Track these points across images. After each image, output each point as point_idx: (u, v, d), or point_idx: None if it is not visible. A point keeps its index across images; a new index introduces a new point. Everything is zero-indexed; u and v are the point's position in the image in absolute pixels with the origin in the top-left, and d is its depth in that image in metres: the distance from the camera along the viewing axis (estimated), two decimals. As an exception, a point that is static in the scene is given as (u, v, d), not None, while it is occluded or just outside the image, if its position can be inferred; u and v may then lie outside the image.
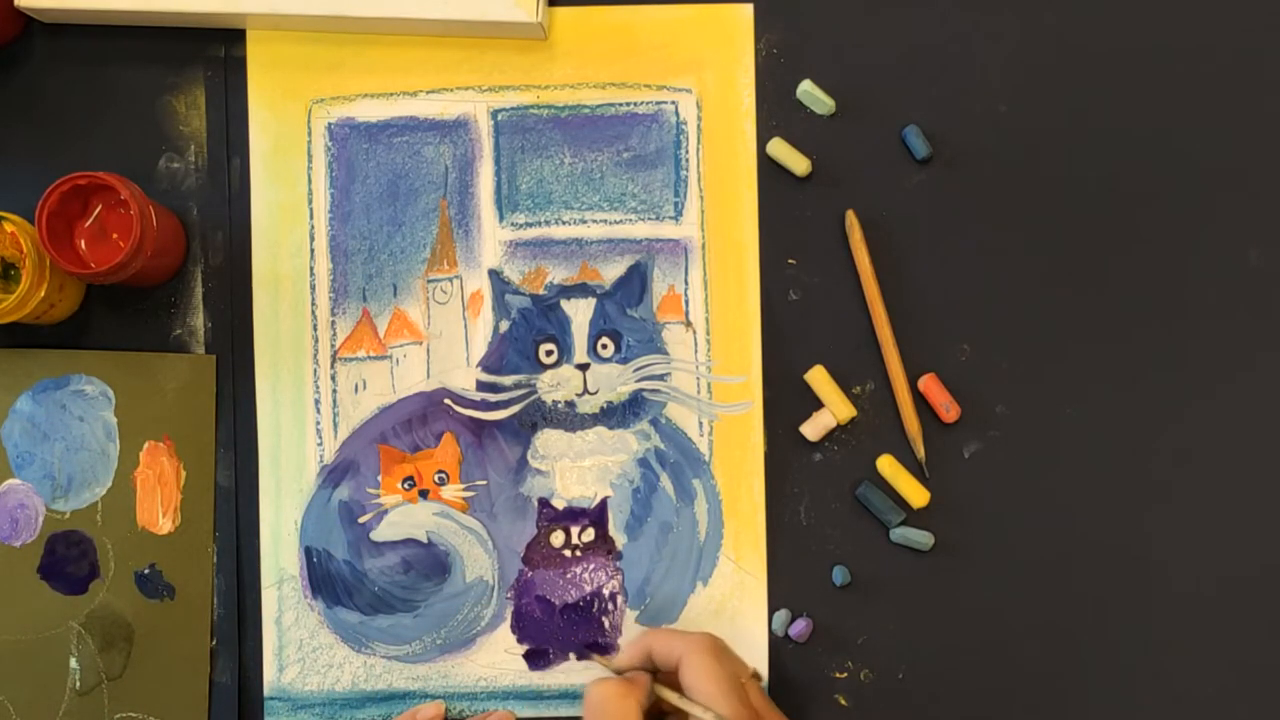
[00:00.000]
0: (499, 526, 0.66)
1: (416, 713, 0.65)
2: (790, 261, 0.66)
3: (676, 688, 0.59)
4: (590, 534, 0.66)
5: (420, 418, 0.66)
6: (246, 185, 0.67)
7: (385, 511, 0.66)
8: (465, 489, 0.66)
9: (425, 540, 0.66)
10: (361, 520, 0.66)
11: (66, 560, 0.66)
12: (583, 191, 0.67)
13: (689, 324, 0.66)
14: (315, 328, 0.67)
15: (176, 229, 0.66)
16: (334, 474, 0.66)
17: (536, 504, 0.66)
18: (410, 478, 0.66)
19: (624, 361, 0.66)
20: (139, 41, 0.67)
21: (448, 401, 0.66)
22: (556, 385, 0.66)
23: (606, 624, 0.66)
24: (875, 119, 0.66)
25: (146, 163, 0.67)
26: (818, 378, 0.65)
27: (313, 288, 0.67)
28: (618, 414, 0.66)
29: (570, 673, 0.66)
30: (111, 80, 0.67)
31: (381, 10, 0.64)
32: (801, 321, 0.66)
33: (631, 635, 0.66)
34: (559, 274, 0.66)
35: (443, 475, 0.66)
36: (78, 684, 0.66)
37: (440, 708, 0.65)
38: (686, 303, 0.66)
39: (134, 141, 0.67)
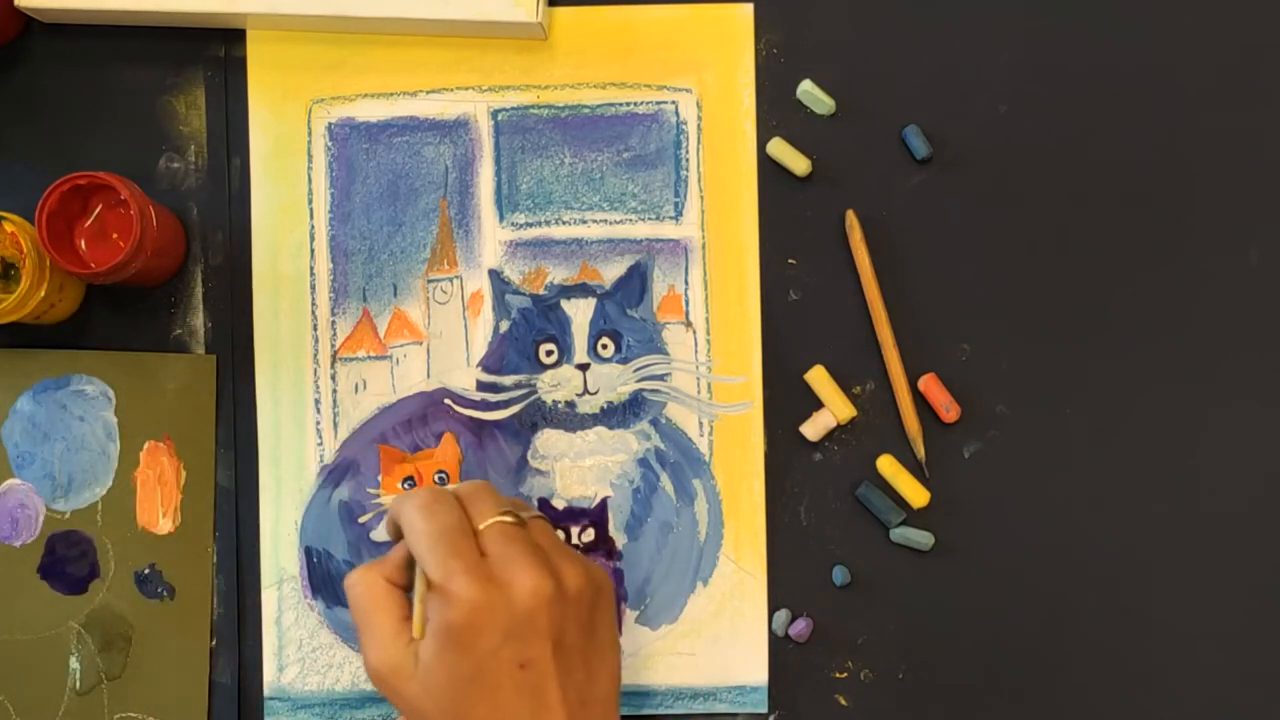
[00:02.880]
0: (499, 526, 0.66)
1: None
2: (790, 261, 0.66)
3: None
4: (590, 534, 0.66)
5: (420, 418, 0.66)
6: (246, 185, 0.67)
7: (385, 511, 0.66)
8: (465, 489, 0.66)
9: (425, 540, 0.66)
10: (361, 520, 0.66)
11: (66, 560, 0.66)
12: (583, 191, 0.67)
13: (689, 324, 0.66)
14: (315, 328, 0.67)
15: (176, 229, 0.66)
16: (334, 474, 0.66)
17: (536, 504, 0.66)
18: (410, 478, 0.66)
19: (624, 362, 0.66)
20: (139, 41, 0.67)
21: (448, 401, 0.66)
22: (556, 385, 0.66)
23: (606, 624, 0.66)
24: (875, 119, 0.66)
25: (146, 163, 0.67)
26: (818, 378, 0.65)
27: (313, 288, 0.67)
28: (618, 414, 0.66)
29: (570, 673, 0.66)
30: (111, 80, 0.67)
31: (381, 10, 0.64)
32: (801, 321, 0.66)
33: (631, 635, 0.66)
34: (559, 274, 0.67)
35: (443, 475, 0.66)
36: (78, 684, 0.66)
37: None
38: (686, 303, 0.66)
39: (134, 141, 0.67)
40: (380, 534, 0.66)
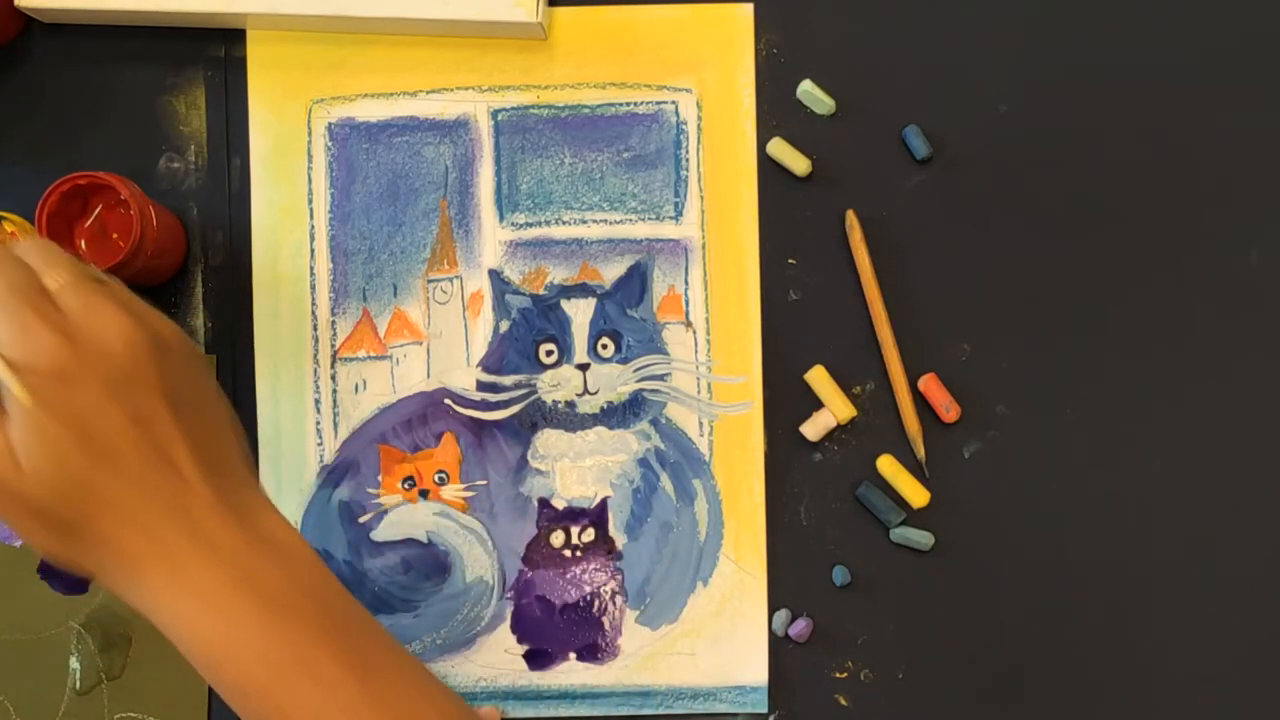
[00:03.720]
0: (499, 526, 0.66)
1: None
2: (790, 261, 0.66)
3: None
4: (590, 534, 0.66)
5: (420, 418, 0.66)
6: (246, 185, 0.67)
7: (385, 511, 0.66)
8: (465, 489, 0.66)
9: (425, 540, 0.66)
10: (361, 520, 0.66)
11: (66, 560, 0.65)
12: (583, 191, 0.67)
13: (689, 324, 0.66)
14: (315, 328, 0.67)
15: (176, 229, 0.66)
16: (334, 474, 0.66)
17: (536, 504, 0.66)
18: (410, 478, 0.66)
19: (624, 361, 0.66)
20: (139, 41, 0.67)
21: (448, 401, 0.66)
22: (556, 385, 0.66)
23: (606, 624, 0.66)
24: (875, 119, 0.66)
25: (146, 163, 0.67)
26: (818, 378, 0.65)
27: (313, 288, 0.67)
28: (618, 414, 0.66)
29: (570, 673, 0.66)
30: (111, 80, 0.67)
31: (381, 10, 0.64)
32: (801, 321, 0.66)
33: (631, 635, 0.66)
34: (559, 274, 0.67)
35: (443, 475, 0.66)
36: (78, 684, 0.66)
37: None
38: (686, 303, 0.66)
39: (134, 141, 0.67)
40: (381, 534, 0.66)
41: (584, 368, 0.66)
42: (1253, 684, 0.65)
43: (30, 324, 0.44)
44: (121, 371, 0.45)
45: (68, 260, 0.48)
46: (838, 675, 0.66)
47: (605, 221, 0.67)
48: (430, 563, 0.66)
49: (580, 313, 0.66)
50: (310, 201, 0.67)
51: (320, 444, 0.66)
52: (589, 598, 0.66)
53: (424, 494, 0.66)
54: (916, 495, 0.65)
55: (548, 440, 0.66)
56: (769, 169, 0.66)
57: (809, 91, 0.66)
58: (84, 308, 0.46)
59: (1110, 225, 0.66)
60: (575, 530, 0.66)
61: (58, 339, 0.44)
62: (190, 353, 0.49)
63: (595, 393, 0.66)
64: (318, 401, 0.66)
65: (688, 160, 0.67)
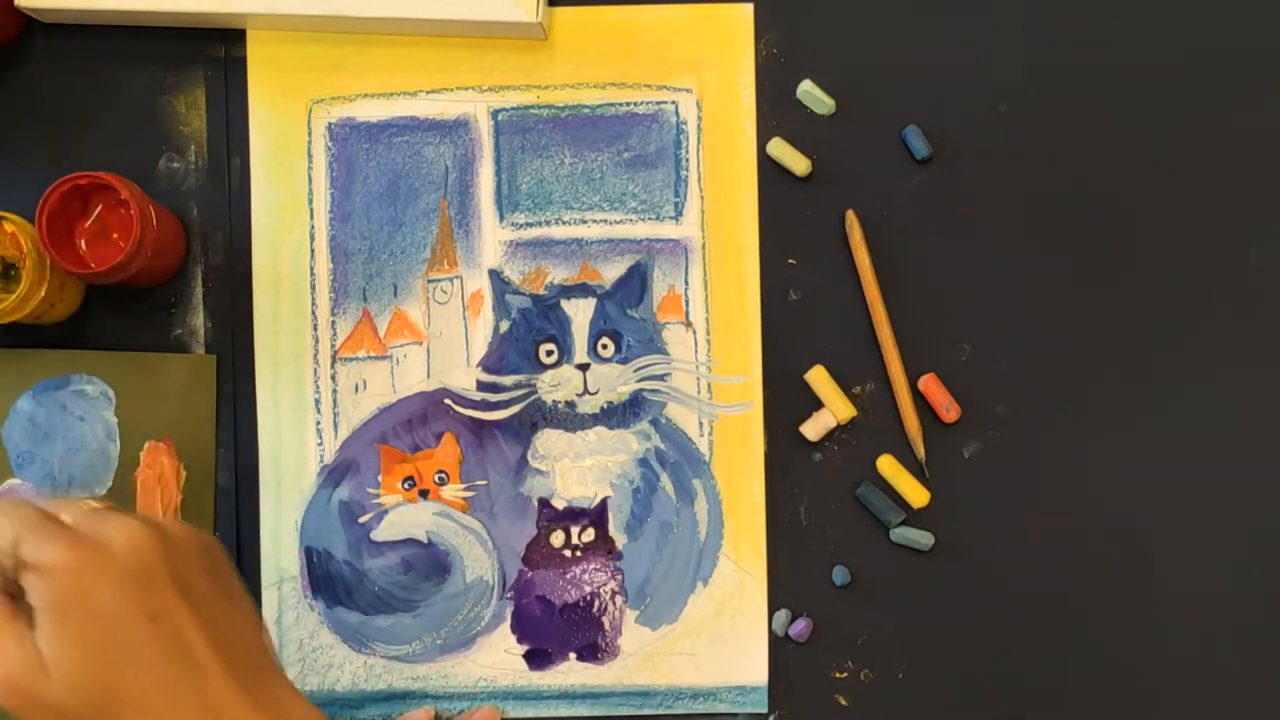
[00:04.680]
0: (499, 526, 0.66)
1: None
2: (790, 261, 0.66)
3: None
4: (590, 534, 0.66)
5: (420, 418, 0.66)
6: (246, 185, 0.67)
7: (385, 511, 0.66)
8: (465, 489, 0.66)
9: (425, 540, 0.66)
10: (362, 520, 0.66)
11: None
12: (583, 191, 0.67)
13: (689, 324, 0.66)
14: (315, 328, 0.67)
15: (176, 229, 0.66)
16: (334, 474, 0.66)
17: (536, 504, 0.66)
18: (410, 478, 0.66)
19: (624, 361, 0.66)
20: (139, 41, 0.67)
21: (448, 401, 0.66)
22: (556, 385, 0.66)
23: (606, 624, 0.66)
24: (875, 119, 0.66)
25: (146, 163, 0.67)
26: (818, 378, 0.65)
27: (313, 288, 0.67)
28: (618, 414, 0.66)
29: (570, 673, 0.66)
30: (111, 80, 0.67)
31: (381, 10, 0.64)
32: (801, 321, 0.66)
33: (631, 635, 0.66)
34: (559, 274, 0.66)
35: (443, 475, 0.66)
36: (78, 684, 0.66)
37: (429, 714, 0.65)
38: (686, 303, 0.66)
39: (134, 141, 0.67)
40: (381, 534, 0.66)
41: (584, 368, 0.66)
42: (1253, 683, 0.65)
43: (43, 538, 0.47)
44: (133, 570, 0.47)
45: (77, 502, 0.51)
46: (838, 675, 0.66)
47: (605, 221, 0.67)
48: (430, 563, 0.66)
49: (580, 313, 0.66)
50: (310, 201, 0.67)
51: (320, 444, 0.66)
52: (589, 598, 0.66)
53: (424, 494, 0.66)
54: (916, 495, 0.65)
55: (548, 440, 0.66)
56: (769, 169, 0.66)
57: (809, 91, 0.66)
58: (91, 519, 0.48)
59: (1110, 225, 0.66)
60: (575, 530, 0.66)
61: (68, 545, 0.47)
62: (203, 547, 0.51)
63: (595, 393, 0.66)
64: (318, 401, 0.66)
65: (688, 160, 0.67)
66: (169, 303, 0.67)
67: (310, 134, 0.67)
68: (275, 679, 0.50)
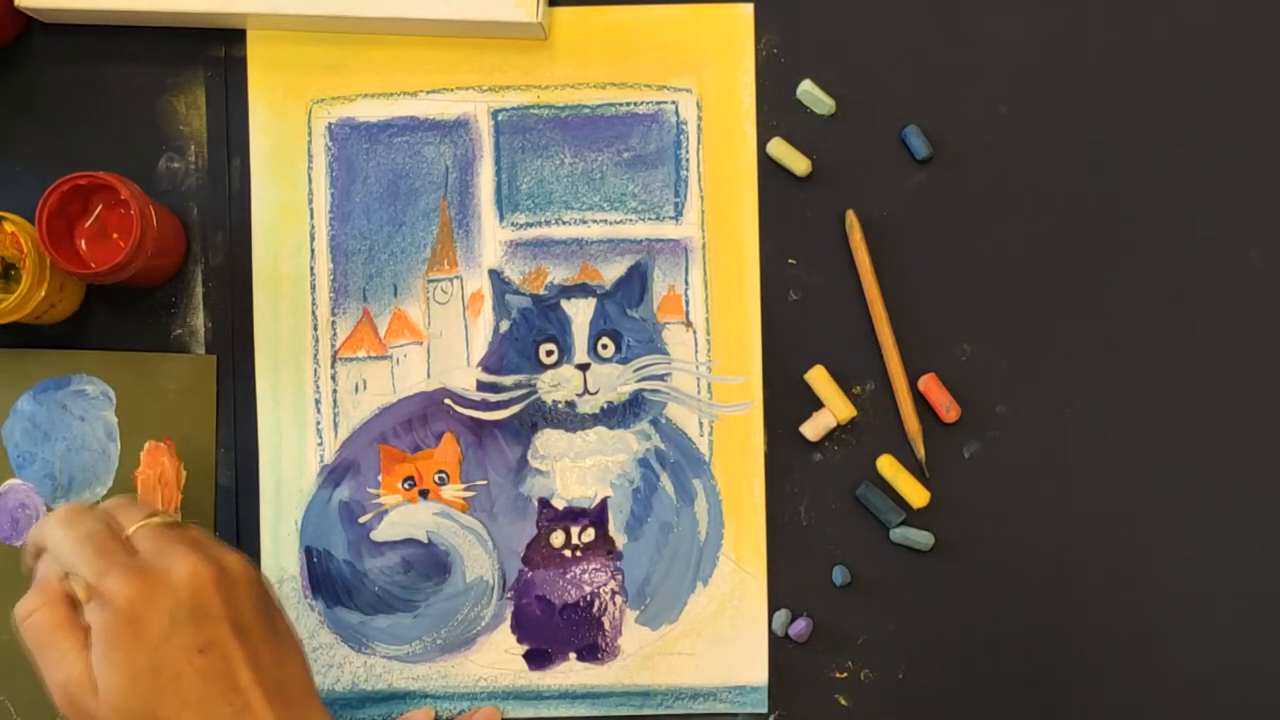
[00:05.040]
0: (499, 526, 0.66)
1: None
2: (790, 261, 0.66)
3: None
4: (590, 534, 0.66)
5: (420, 418, 0.66)
6: (246, 185, 0.67)
7: (385, 511, 0.66)
8: (465, 489, 0.66)
9: (425, 540, 0.66)
10: (362, 520, 0.66)
11: (67, 560, 0.66)
12: (583, 191, 0.67)
13: (689, 324, 0.66)
14: (315, 328, 0.67)
15: (176, 229, 0.66)
16: (334, 474, 0.66)
17: (536, 504, 0.66)
18: (410, 478, 0.66)
19: (624, 361, 0.66)
20: (139, 41, 0.67)
21: (448, 401, 0.66)
22: (557, 385, 0.66)
23: (606, 624, 0.66)
24: (875, 119, 0.66)
25: (146, 163, 0.67)
26: (818, 378, 0.65)
27: (313, 288, 0.67)
28: (618, 414, 0.66)
29: (570, 673, 0.66)
30: (111, 80, 0.67)
31: (381, 10, 0.64)
32: (801, 321, 0.66)
33: (631, 635, 0.66)
34: (559, 274, 0.67)
35: (443, 475, 0.66)
36: (78, 684, 0.66)
37: (429, 714, 0.65)
38: (686, 303, 0.66)
39: (134, 141, 0.67)
40: (381, 534, 0.66)
41: (584, 368, 0.66)
42: (1254, 683, 0.65)
43: (105, 567, 0.50)
44: (188, 604, 0.50)
45: (143, 509, 0.54)
46: (838, 675, 0.66)
47: (605, 221, 0.67)
48: (430, 563, 0.66)
49: (580, 313, 0.66)
50: (310, 201, 0.67)
51: (320, 444, 0.66)
52: (589, 598, 0.66)
53: (424, 494, 0.66)
54: (916, 495, 0.65)
55: (548, 440, 0.66)
56: (769, 169, 0.66)
57: (809, 91, 0.66)
58: (155, 549, 0.51)
59: (1110, 225, 0.66)
60: (575, 530, 0.66)
61: (129, 577, 0.49)
62: (256, 581, 0.53)
63: (595, 393, 0.66)
64: (318, 401, 0.66)
65: (688, 160, 0.67)
66: (169, 303, 0.67)
67: (310, 134, 0.67)
68: (315, 711, 0.52)
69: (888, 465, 0.65)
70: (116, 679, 0.48)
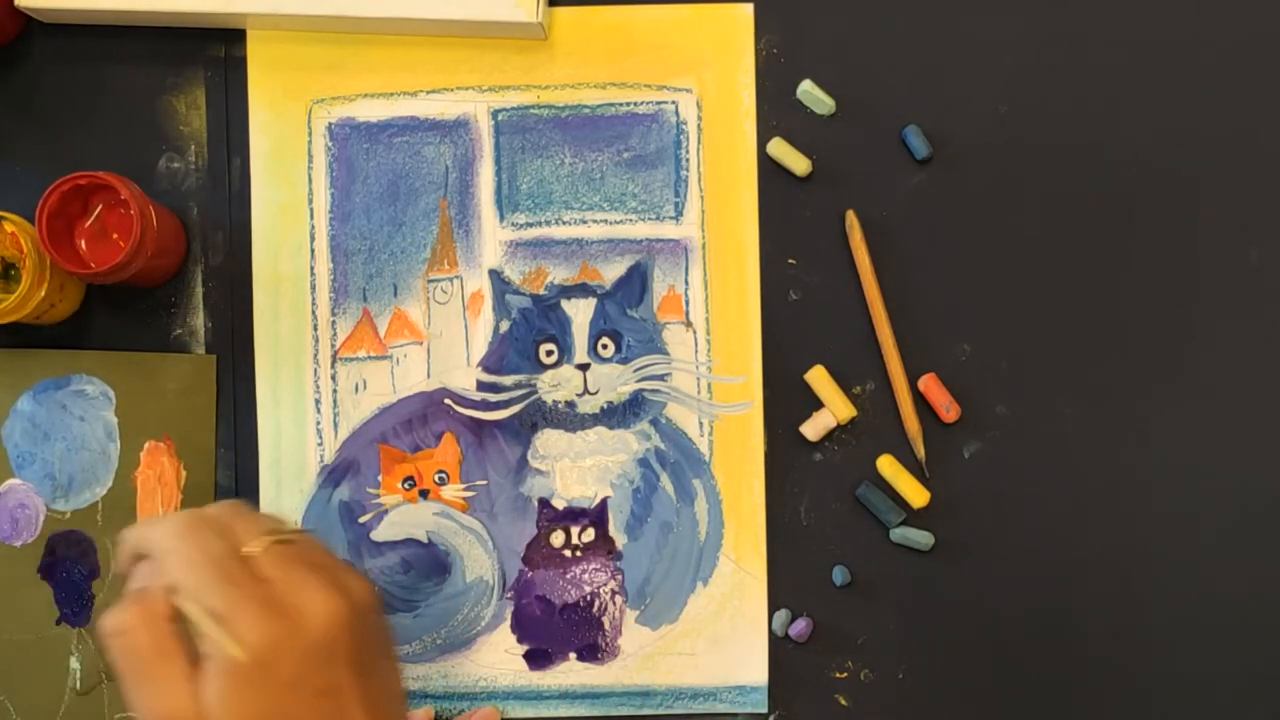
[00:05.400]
0: (499, 526, 0.66)
1: None
2: (790, 261, 0.66)
3: None
4: (590, 534, 0.66)
5: (420, 418, 0.66)
6: (246, 185, 0.67)
7: (385, 511, 0.66)
8: (465, 489, 0.66)
9: (425, 540, 0.66)
10: (362, 520, 0.66)
11: (67, 560, 0.66)
12: (583, 191, 0.67)
13: (689, 324, 0.66)
14: (315, 328, 0.67)
15: (176, 229, 0.66)
16: (334, 474, 0.66)
17: (536, 504, 0.66)
18: (410, 478, 0.66)
19: (624, 361, 0.66)
20: (139, 41, 0.67)
21: (448, 401, 0.66)
22: (557, 385, 0.66)
23: (606, 624, 0.66)
24: (875, 119, 0.66)
25: (146, 163, 0.67)
26: (818, 378, 0.65)
27: (313, 288, 0.67)
28: (618, 414, 0.66)
29: (570, 673, 0.66)
30: (111, 80, 0.67)
31: (381, 10, 0.64)
32: (801, 321, 0.66)
33: (631, 635, 0.66)
34: (559, 274, 0.67)
35: (443, 475, 0.66)
36: (78, 684, 0.66)
37: (429, 714, 0.65)
38: (686, 303, 0.66)
39: (134, 141, 0.67)
40: (381, 534, 0.66)
41: (584, 368, 0.66)
42: (1254, 683, 0.65)
43: (235, 600, 0.46)
44: (318, 649, 0.47)
45: (261, 521, 0.50)
46: (838, 675, 0.66)
47: (605, 221, 0.67)
48: (430, 563, 0.66)
49: (580, 313, 0.66)
50: (310, 201, 0.67)
51: (320, 444, 0.66)
52: (589, 598, 0.66)
53: (424, 494, 0.66)
54: (916, 495, 0.65)
55: (548, 440, 0.66)
56: (769, 169, 0.66)
57: (809, 91, 0.66)
58: (286, 578, 0.48)
59: (1110, 225, 0.66)
60: (575, 530, 0.66)
61: (263, 617, 0.46)
62: (377, 608, 0.51)
63: (595, 393, 0.66)
64: (318, 401, 0.66)
65: (688, 160, 0.67)
66: (169, 303, 0.67)
67: (310, 134, 0.67)
68: None
69: (888, 465, 0.65)
70: (230, 713, 0.45)
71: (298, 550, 0.50)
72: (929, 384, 0.65)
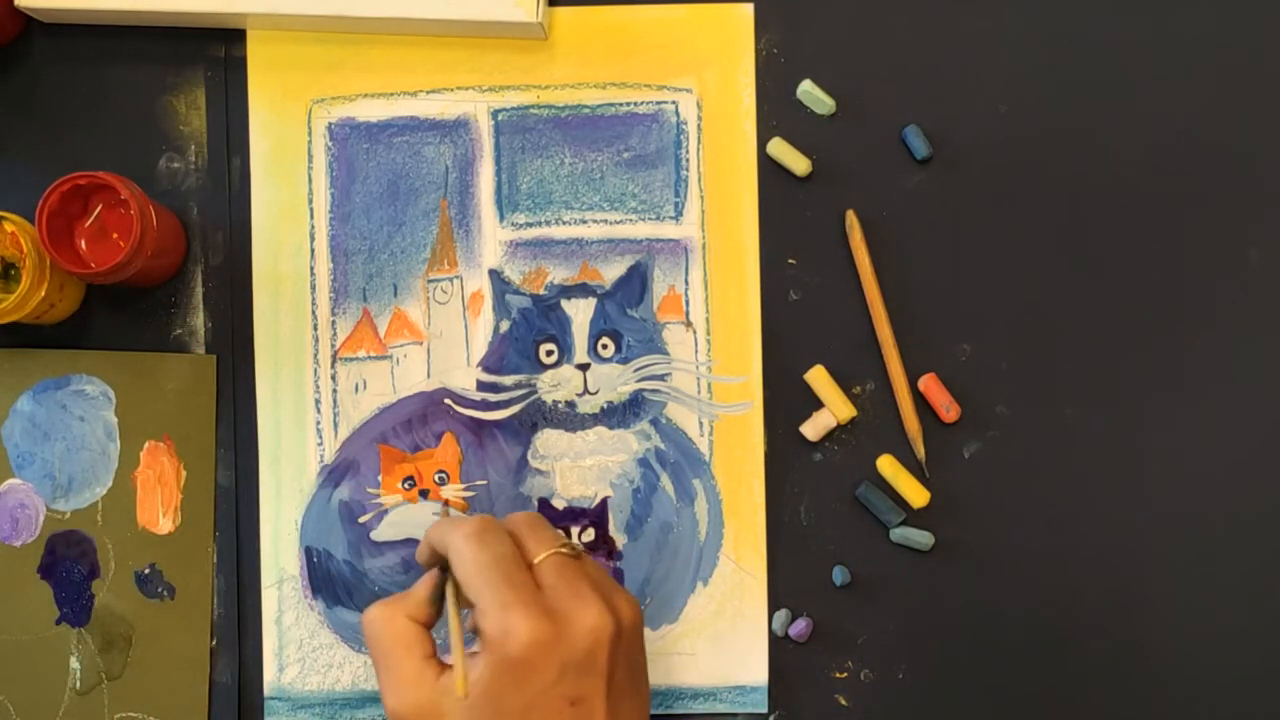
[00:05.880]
0: (499, 526, 0.66)
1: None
2: (790, 261, 0.66)
3: None
4: (590, 534, 0.66)
5: (420, 418, 0.66)
6: (246, 185, 0.67)
7: (385, 511, 0.66)
8: (465, 489, 0.66)
9: (425, 540, 0.66)
10: (362, 520, 0.66)
11: (67, 560, 0.66)
12: (583, 191, 0.67)
13: (689, 324, 0.66)
14: (315, 328, 0.67)
15: (176, 229, 0.66)
16: (334, 474, 0.66)
17: (536, 504, 0.66)
18: (410, 477, 0.66)
19: (624, 361, 0.66)
20: (139, 41, 0.67)
21: (448, 401, 0.66)
22: (557, 385, 0.66)
23: (606, 624, 0.66)
24: (875, 119, 0.66)
25: (146, 163, 0.67)
26: (818, 378, 0.65)
27: (313, 288, 0.67)
28: (618, 414, 0.66)
29: (570, 673, 0.66)
30: (111, 80, 0.67)
31: (381, 10, 0.64)
32: (801, 321, 0.66)
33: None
34: (559, 274, 0.67)
35: (443, 475, 0.66)
36: (78, 684, 0.66)
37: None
38: (686, 303, 0.66)
39: (134, 141, 0.67)
40: (381, 534, 0.66)
41: (584, 368, 0.66)
42: (1254, 683, 0.65)
43: (511, 601, 0.49)
44: (579, 657, 0.50)
45: (552, 534, 0.54)
46: (838, 675, 0.66)
47: (605, 221, 0.67)
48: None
49: (580, 313, 0.66)
50: (310, 201, 0.67)
51: (320, 444, 0.66)
52: (589, 598, 0.66)
53: (424, 494, 0.66)
54: (916, 495, 0.65)
55: (548, 440, 0.66)
56: (769, 169, 0.66)
57: (809, 91, 0.66)
58: (564, 587, 0.51)
59: (1109, 225, 0.66)
60: (575, 530, 0.66)
61: (534, 622, 0.49)
62: (639, 629, 0.54)
63: (595, 393, 0.66)
64: (318, 401, 0.66)
65: (688, 160, 0.67)
66: (169, 303, 0.67)
67: (310, 134, 0.67)
68: None
69: (888, 465, 0.65)
70: (486, 711, 0.49)
71: (578, 565, 0.53)
72: (929, 384, 0.65)
